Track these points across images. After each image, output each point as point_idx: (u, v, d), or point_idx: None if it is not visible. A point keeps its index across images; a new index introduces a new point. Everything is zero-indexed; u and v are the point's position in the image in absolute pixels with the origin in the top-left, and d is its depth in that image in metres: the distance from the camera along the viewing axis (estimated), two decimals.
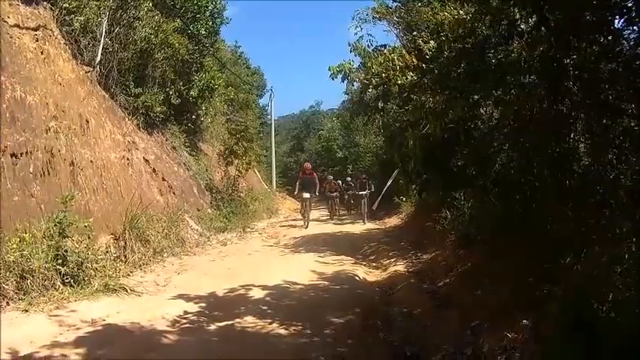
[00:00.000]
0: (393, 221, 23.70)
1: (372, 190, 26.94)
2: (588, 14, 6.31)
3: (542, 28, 6.88)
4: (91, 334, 7.24)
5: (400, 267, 12.48)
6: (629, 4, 6.02)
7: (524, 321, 5.78)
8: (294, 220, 26.24)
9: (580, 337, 4.62)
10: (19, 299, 8.07)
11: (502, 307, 6.53)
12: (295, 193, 26.38)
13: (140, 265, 11.58)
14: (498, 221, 8.37)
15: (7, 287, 8.02)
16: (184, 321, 8.06)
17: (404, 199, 23.74)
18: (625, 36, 6.24)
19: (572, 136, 7.07)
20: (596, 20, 6.25)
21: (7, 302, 7.93)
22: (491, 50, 8.20)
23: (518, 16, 7.44)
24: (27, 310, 7.80)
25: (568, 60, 6.72)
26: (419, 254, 13.48)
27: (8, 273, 8.16)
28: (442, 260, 11.38)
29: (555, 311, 5.20)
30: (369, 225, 23.53)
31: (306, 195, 23.29)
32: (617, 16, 6.13)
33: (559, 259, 5.82)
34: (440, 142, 10.00)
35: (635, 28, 6.11)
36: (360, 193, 26.86)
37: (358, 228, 22.33)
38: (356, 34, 15.34)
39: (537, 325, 5.52)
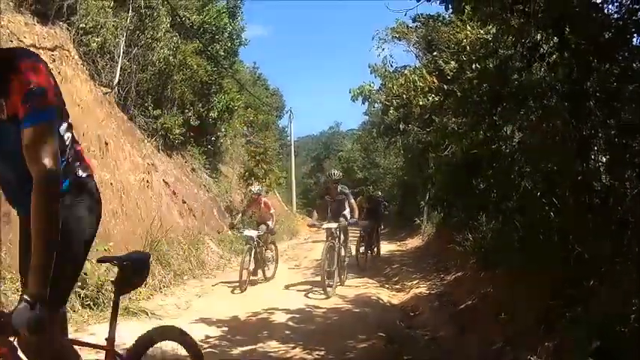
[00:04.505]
0: (414, 242, 23.61)
1: (387, 212, 23.71)
2: (608, 33, 6.32)
3: (563, 50, 6.95)
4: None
5: (423, 289, 12.31)
6: None
7: (546, 344, 5.66)
8: (314, 241, 25.92)
9: None
10: None
11: (525, 330, 6.43)
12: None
13: (160, 288, 11.46)
14: (521, 244, 8.23)
15: None
16: (206, 345, 7.84)
17: (424, 220, 23.54)
18: None
19: (592, 156, 7.05)
20: (615, 39, 6.27)
21: None
22: (514, 73, 8.19)
23: (539, 37, 7.42)
24: None
25: (589, 82, 6.71)
26: (441, 276, 13.34)
27: None
28: (464, 282, 11.18)
29: (579, 336, 5.07)
30: (390, 246, 23.06)
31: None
32: (636, 34, 6.21)
33: (582, 282, 5.73)
34: (462, 166, 9.91)
35: None
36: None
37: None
38: (379, 55, 15.33)
39: (561, 350, 5.41)
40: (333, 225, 12.49)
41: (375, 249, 18.20)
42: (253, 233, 13.23)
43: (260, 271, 13.53)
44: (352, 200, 12.97)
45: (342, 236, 12.66)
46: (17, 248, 7.86)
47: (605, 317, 4.84)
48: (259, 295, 11.58)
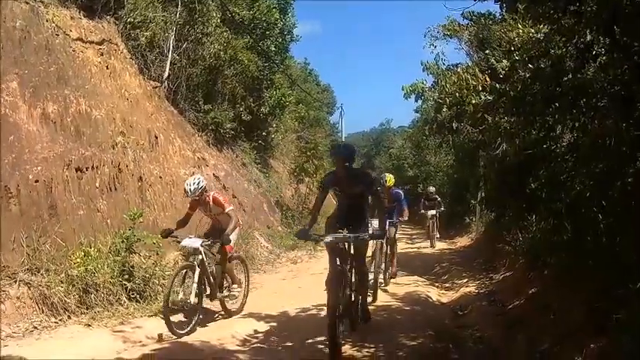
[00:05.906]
0: (463, 241, 23.57)
1: (443, 209, 23.53)
2: None
3: (614, 51, 6.92)
4: (157, 352, 7.11)
5: (471, 288, 12.32)
6: None
7: (591, 346, 5.62)
8: None
9: None
10: (82, 313, 8.02)
11: (572, 331, 6.37)
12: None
13: None
14: (570, 245, 8.17)
15: (69, 301, 7.98)
16: (255, 340, 7.89)
17: (474, 219, 23.29)
18: None
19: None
20: None
21: (69, 316, 7.87)
22: (567, 74, 8.10)
23: (590, 38, 7.32)
24: (90, 325, 7.74)
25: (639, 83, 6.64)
26: (490, 275, 13.19)
27: (71, 287, 8.12)
28: (512, 282, 11.08)
29: (625, 339, 5.07)
30: (440, 245, 22.91)
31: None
32: None
33: (629, 285, 5.69)
34: (515, 166, 9.96)
35: None
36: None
37: (429, 248, 21.86)
38: (432, 52, 15.26)
39: (607, 352, 5.36)
40: (346, 236, 7.21)
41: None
42: (196, 243, 8.51)
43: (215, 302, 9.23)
44: (376, 194, 8.36)
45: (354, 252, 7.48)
46: (63, 241, 7.88)
47: None
48: (309, 291, 10.76)
